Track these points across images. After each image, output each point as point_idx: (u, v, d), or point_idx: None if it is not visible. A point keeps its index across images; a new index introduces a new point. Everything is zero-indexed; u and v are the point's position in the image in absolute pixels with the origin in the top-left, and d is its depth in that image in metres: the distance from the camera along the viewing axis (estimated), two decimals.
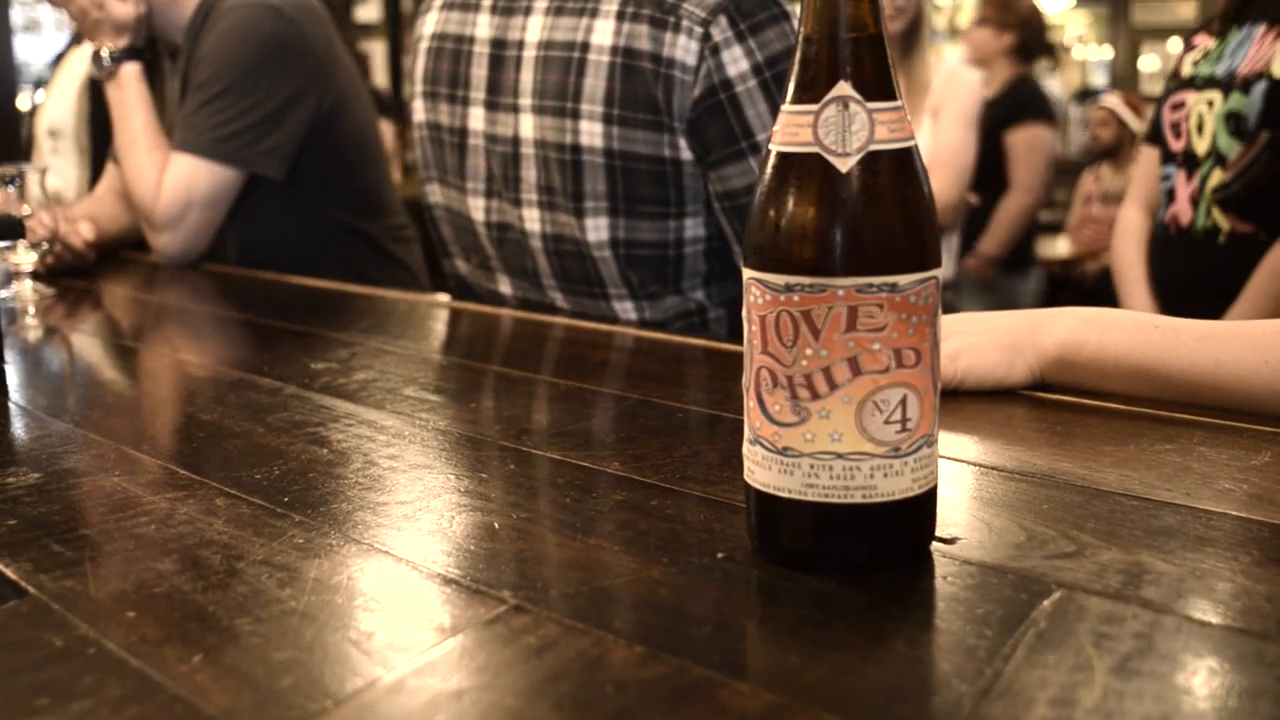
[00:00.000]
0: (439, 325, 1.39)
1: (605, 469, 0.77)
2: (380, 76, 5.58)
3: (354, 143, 1.88)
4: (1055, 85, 7.70)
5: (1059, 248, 5.18)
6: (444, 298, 1.55)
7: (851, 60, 0.57)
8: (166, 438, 0.91)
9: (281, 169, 1.77)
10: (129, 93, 1.76)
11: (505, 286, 1.42)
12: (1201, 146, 1.68)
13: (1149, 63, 7.28)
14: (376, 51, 5.64)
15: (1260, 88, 1.60)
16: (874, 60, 0.57)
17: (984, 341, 0.92)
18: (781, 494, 0.59)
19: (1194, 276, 1.73)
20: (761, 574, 0.60)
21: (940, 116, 2.49)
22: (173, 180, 1.72)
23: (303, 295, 1.56)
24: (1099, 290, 4.65)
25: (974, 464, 0.76)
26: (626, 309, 1.32)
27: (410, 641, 0.53)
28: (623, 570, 0.60)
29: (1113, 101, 4.73)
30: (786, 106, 0.58)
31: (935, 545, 0.62)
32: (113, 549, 0.66)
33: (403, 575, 0.61)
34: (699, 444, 0.82)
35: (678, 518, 0.68)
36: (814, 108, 0.57)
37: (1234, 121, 1.63)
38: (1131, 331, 0.88)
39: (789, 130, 0.58)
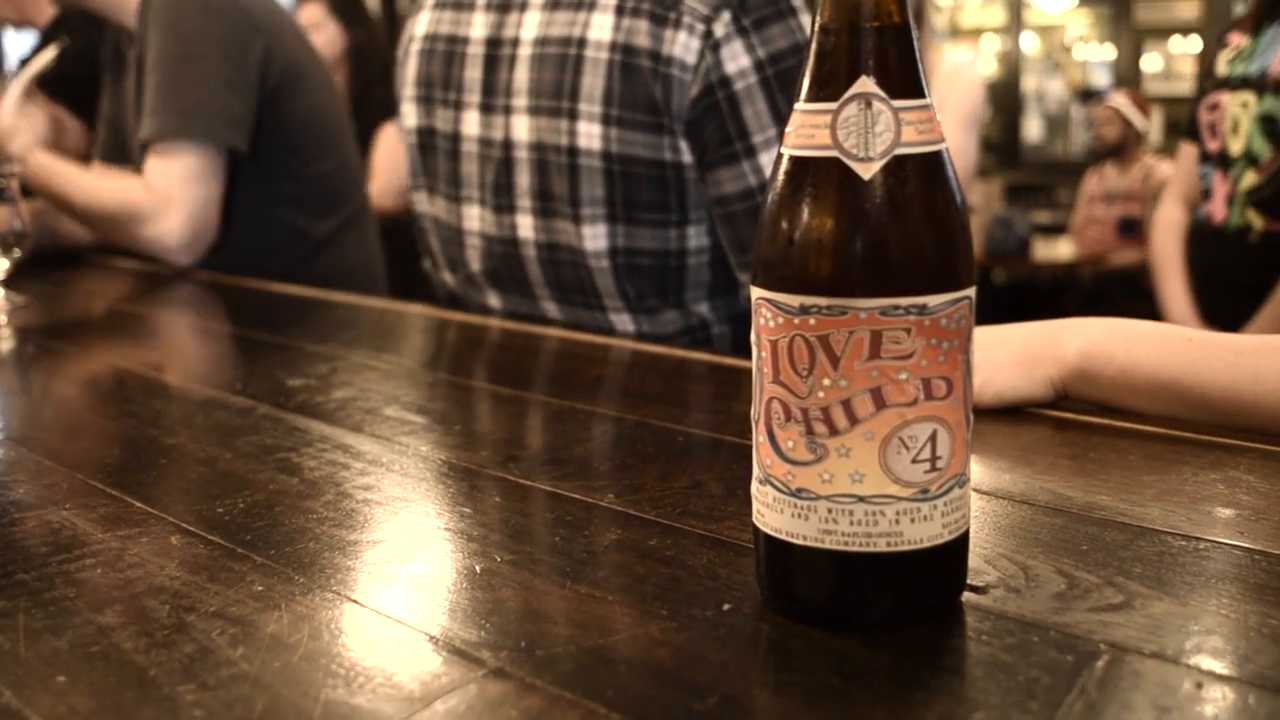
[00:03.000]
0: (427, 337, 1.33)
1: (599, 502, 0.70)
2: None
3: (308, 123, 1.81)
4: (1057, 85, 7.65)
5: (1060, 250, 5.12)
6: (435, 308, 1.49)
7: (874, 52, 0.50)
8: (125, 464, 0.84)
9: (246, 142, 1.72)
10: (47, 159, 1.72)
11: (494, 300, 1.35)
12: (1236, 147, 1.70)
13: (1151, 62, 7.21)
14: None
15: None
16: (899, 53, 0.51)
17: (999, 355, 0.86)
18: (795, 541, 0.53)
19: (1226, 272, 1.77)
20: (772, 630, 0.53)
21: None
22: (155, 172, 1.66)
23: (285, 304, 1.50)
24: (1101, 293, 4.59)
25: (1002, 497, 0.69)
26: (624, 322, 1.25)
27: (374, 716, 0.47)
28: (618, 625, 0.54)
29: (1119, 101, 4.67)
30: (800, 105, 0.51)
31: (966, 596, 0.56)
32: (51, 598, 0.59)
33: (370, 631, 0.55)
34: (701, 473, 0.75)
35: (678, 561, 0.61)
36: (832, 106, 0.50)
37: (1269, 124, 1.63)
38: (1163, 344, 0.82)
39: (803, 131, 0.51)
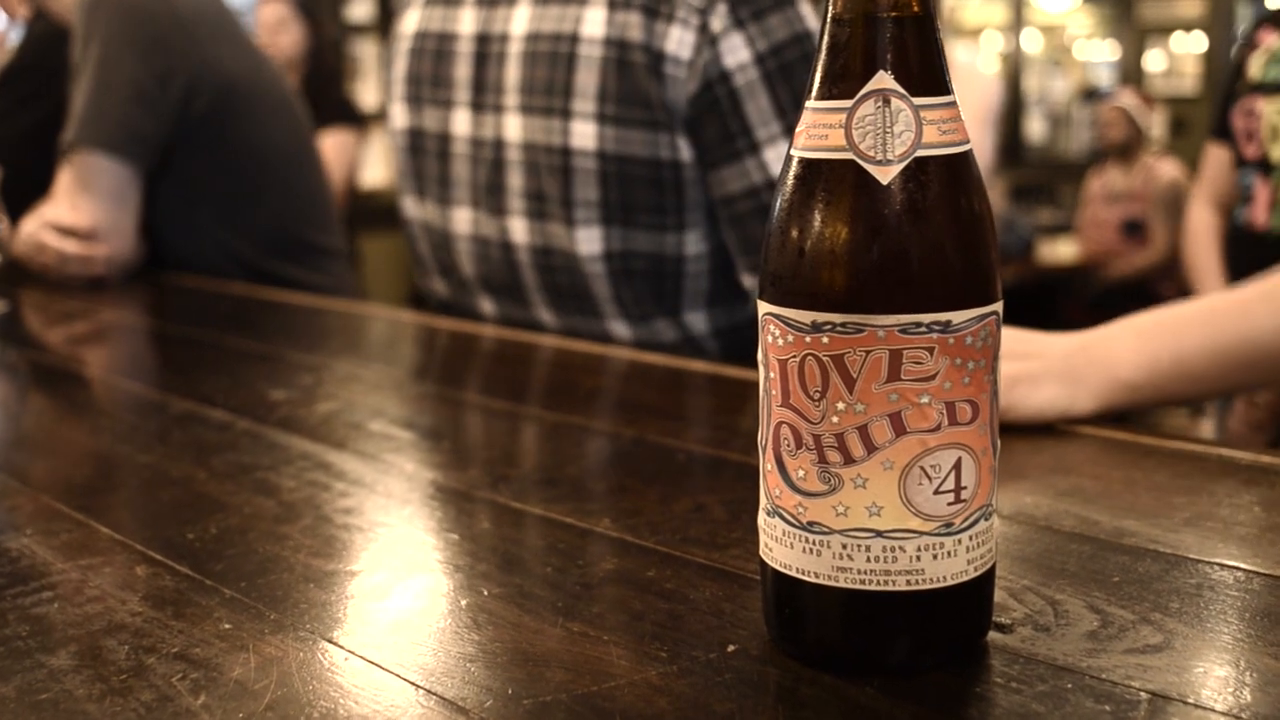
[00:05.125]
0: (416, 346, 1.28)
1: (594, 528, 0.66)
2: (371, 79, 5.46)
3: (250, 151, 1.69)
4: (1060, 84, 7.60)
5: (1063, 251, 5.08)
6: (425, 315, 1.44)
7: (893, 45, 0.46)
8: (94, 485, 0.80)
9: (148, 158, 1.60)
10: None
11: (487, 306, 1.31)
12: (1277, 153, 1.68)
13: (1155, 60, 7.16)
14: (368, 53, 5.51)
15: None
16: (921, 45, 0.46)
17: (1038, 370, 0.81)
18: (806, 578, 0.48)
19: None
20: (781, 676, 0.49)
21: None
22: (62, 180, 1.58)
23: (270, 311, 1.45)
24: (1105, 294, 4.54)
25: (1024, 522, 0.65)
26: (620, 329, 1.21)
27: None
28: (613, 670, 0.50)
29: (1126, 101, 4.62)
30: (811, 103, 0.47)
31: (991, 635, 0.51)
32: (2, 637, 0.55)
33: (344, 675, 0.50)
34: (703, 494, 0.71)
35: (679, 594, 0.57)
36: (847, 104, 0.46)
37: None
38: (1194, 321, 0.81)
39: (815, 132, 0.47)
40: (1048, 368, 0.80)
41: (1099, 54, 7.69)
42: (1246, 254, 1.78)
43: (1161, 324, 0.82)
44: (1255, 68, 1.74)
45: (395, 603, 0.57)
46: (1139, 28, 7.21)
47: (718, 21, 1.07)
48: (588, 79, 1.12)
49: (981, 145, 2.36)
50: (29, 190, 1.67)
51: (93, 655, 0.53)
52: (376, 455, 0.81)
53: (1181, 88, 6.92)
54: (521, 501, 0.71)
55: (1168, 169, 4.50)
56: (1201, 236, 1.93)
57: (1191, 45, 7.01)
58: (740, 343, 1.21)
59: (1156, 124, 4.80)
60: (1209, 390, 0.79)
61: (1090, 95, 7.21)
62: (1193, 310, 0.82)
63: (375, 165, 5.04)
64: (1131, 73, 7.18)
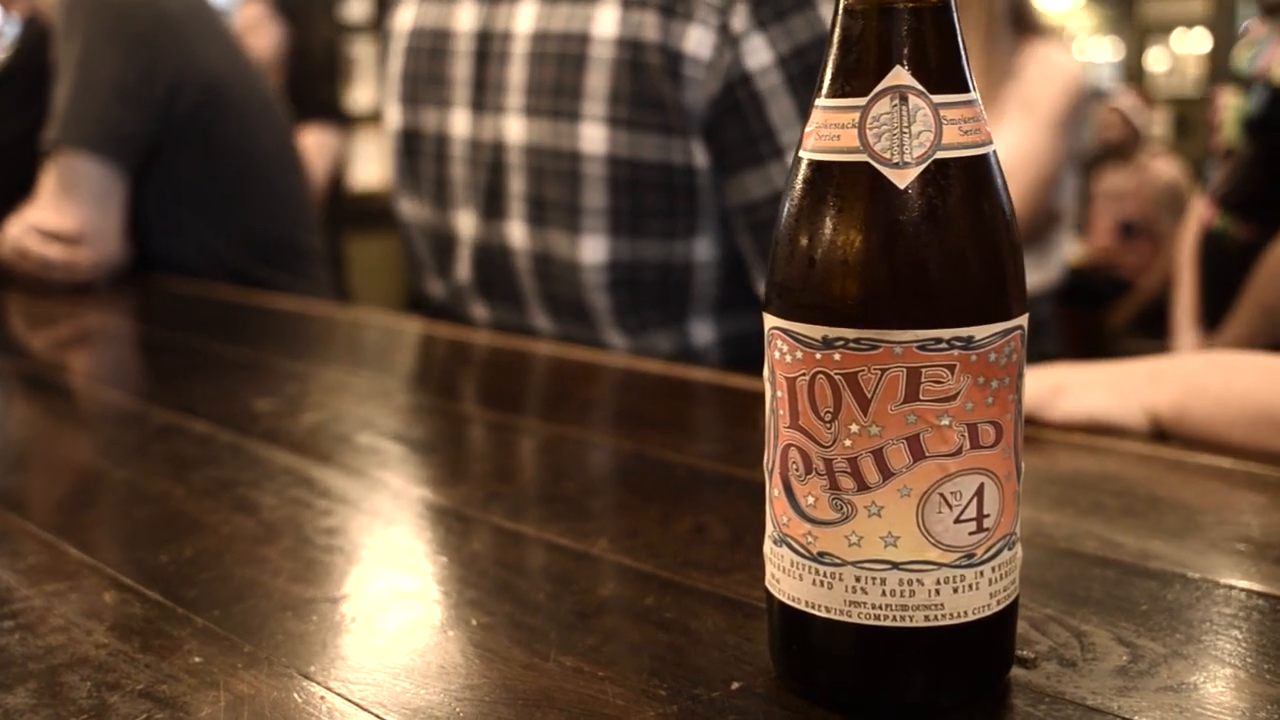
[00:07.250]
0: (408, 353, 1.25)
1: (590, 550, 0.62)
2: (369, 79, 5.42)
3: (231, 152, 1.65)
4: None
5: (1064, 251, 5.03)
6: (419, 319, 1.41)
7: (910, 38, 0.42)
8: (67, 502, 0.76)
9: (131, 158, 1.56)
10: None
11: (482, 311, 1.27)
12: (1226, 148, 1.66)
13: (1157, 59, 7.13)
14: (365, 53, 5.47)
15: (1260, 92, 1.57)
16: (940, 38, 0.43)
17: (1095, 377, 0.81)
18: (817, 612, 0.45)
19: (1217, 277, 1.73)
20: (789, 716, 0.46)
21: (1030, 112, 1.91)
22: (44, 181, 1.54)
23: (257, 316, 1.42)
24: (1101, 296, 4.50)
25: (1043, 544, 0.62)
26: (616, 339, 1.17)
27: None
28: (609, 709, 0.46)
29: (1124, 102, 4.58)
30: (823, 100, 0.44)
31: (1014, 671, 0.48)
32: None
33: (317, 715, 0.47)
34: (705, 513, 0.68)
35: (679, 624, 0.53)
36: (860, 102, 0.42)
37: (1247, 124, 1.61)
38: (1259, 373, 0.78)
39: (826, 132, 0.43)
40: (1103, 378, 0.81)
41: (1100, 53, 7.66)
42: (1203, 254, 1.79)
43: (1230, 362, 0.81)
44: (1237, 59, 1.74)
45: (378, 634, 0.54)
46: (1140, 26, 7.18)
47: (739, 22, 1.04)
48: (599, 80, 1.08)
49: (1039, 152, 1.91)
50: (23, 194, 1.63)
51: (52, 693, 0.49)
52: (363, 470, 0.77)
53: (1184, 87, 6.89)
54: (515, 521, 0.67)
55: (1166, 169, 4.46)
56: (1187, 234, 1.91)
57: (1193, 44, 6.98)
58: (749, 352, 1.17)
59: (1159, 123, 4.77)
60: (1244, 440, 0.75)
61: (1090, 95, 7.18)
62: (1264, 360, 0.79)
63: (369, 166, 5.01)
64: (1133, 72, 7.15)
